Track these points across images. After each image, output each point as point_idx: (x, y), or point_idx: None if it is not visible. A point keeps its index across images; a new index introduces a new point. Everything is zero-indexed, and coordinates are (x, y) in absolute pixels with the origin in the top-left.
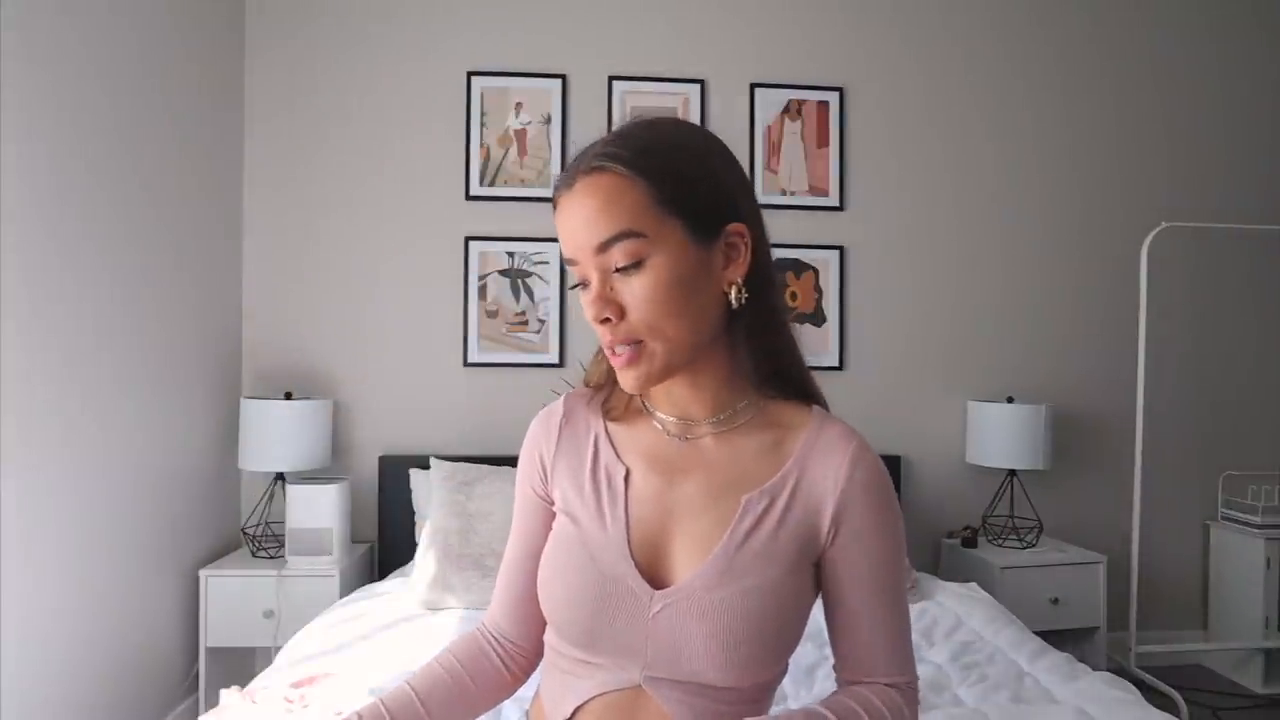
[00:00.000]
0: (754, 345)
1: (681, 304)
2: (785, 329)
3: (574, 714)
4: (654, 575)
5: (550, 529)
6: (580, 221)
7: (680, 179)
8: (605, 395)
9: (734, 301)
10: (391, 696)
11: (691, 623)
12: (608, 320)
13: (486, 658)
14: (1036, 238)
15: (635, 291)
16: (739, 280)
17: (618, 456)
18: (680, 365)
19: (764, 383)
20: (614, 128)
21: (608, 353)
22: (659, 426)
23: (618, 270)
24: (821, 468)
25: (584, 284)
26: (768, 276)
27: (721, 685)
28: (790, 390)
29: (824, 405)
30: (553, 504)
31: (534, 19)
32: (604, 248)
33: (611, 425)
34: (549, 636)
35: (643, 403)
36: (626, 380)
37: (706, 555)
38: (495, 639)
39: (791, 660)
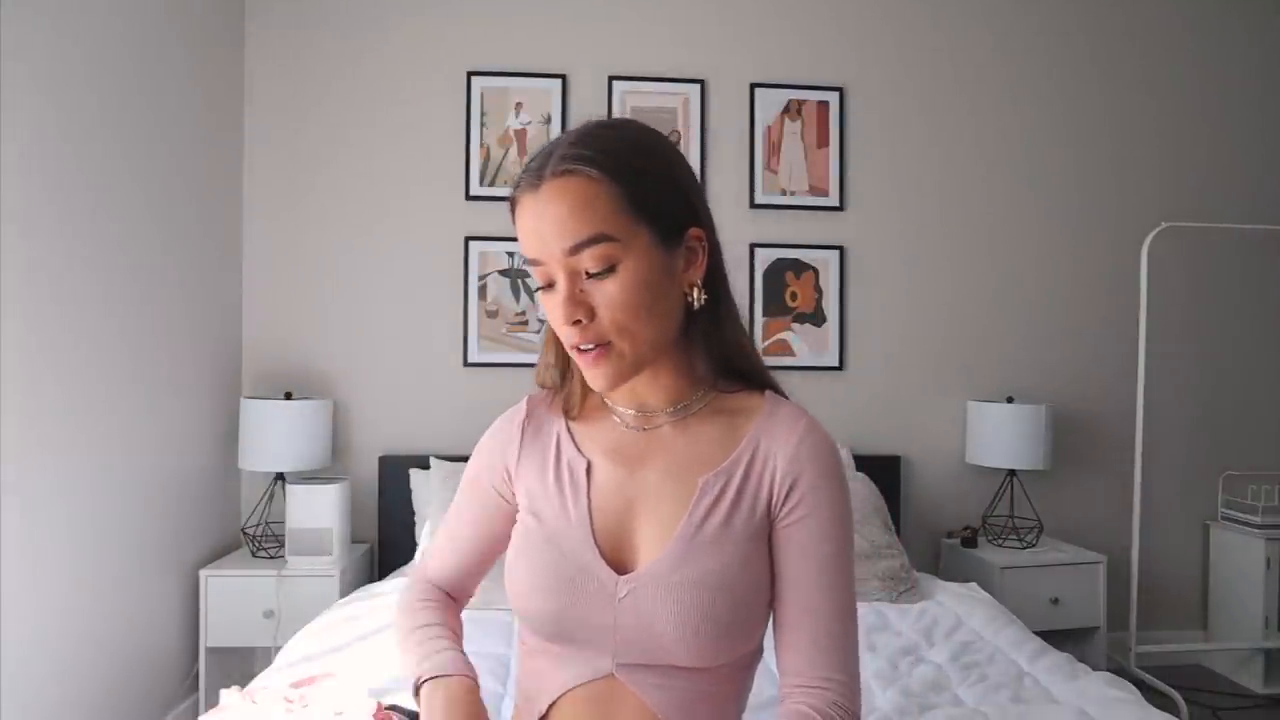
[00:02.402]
0: (711, 343)
1: (649, 306)
2: (739, 326)
3: (549, 710)
4: (619, 562)
5: (502, 521)
6: (550, 224)
7: (648, 183)
8: (564, 394)
9: (695, 303)
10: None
11: (657, 604)
12: (578, 322)
13: (450, 601)
14: (1036, 237)
15: (607, 294)
16: (698, 282)
17: (579, 450)
18: (646, 364)
19: (721, 377)
20: (570, 129)
21: (573, 353)
22: (618, 420)
23: (589, 275)
24: (773, 444)
25: (549, 285)
26: (722, 277)
27: (691, 666)
28: (749, 384)
29: (780, 392)
30: (511, 503)
31: (534, 19)
32: (575, 251)
33: (572, 423)
34: (521, 632)
35: (601, 397)
36: (596, 379)
37: (668, 538)
38: (439, 588)
39: None
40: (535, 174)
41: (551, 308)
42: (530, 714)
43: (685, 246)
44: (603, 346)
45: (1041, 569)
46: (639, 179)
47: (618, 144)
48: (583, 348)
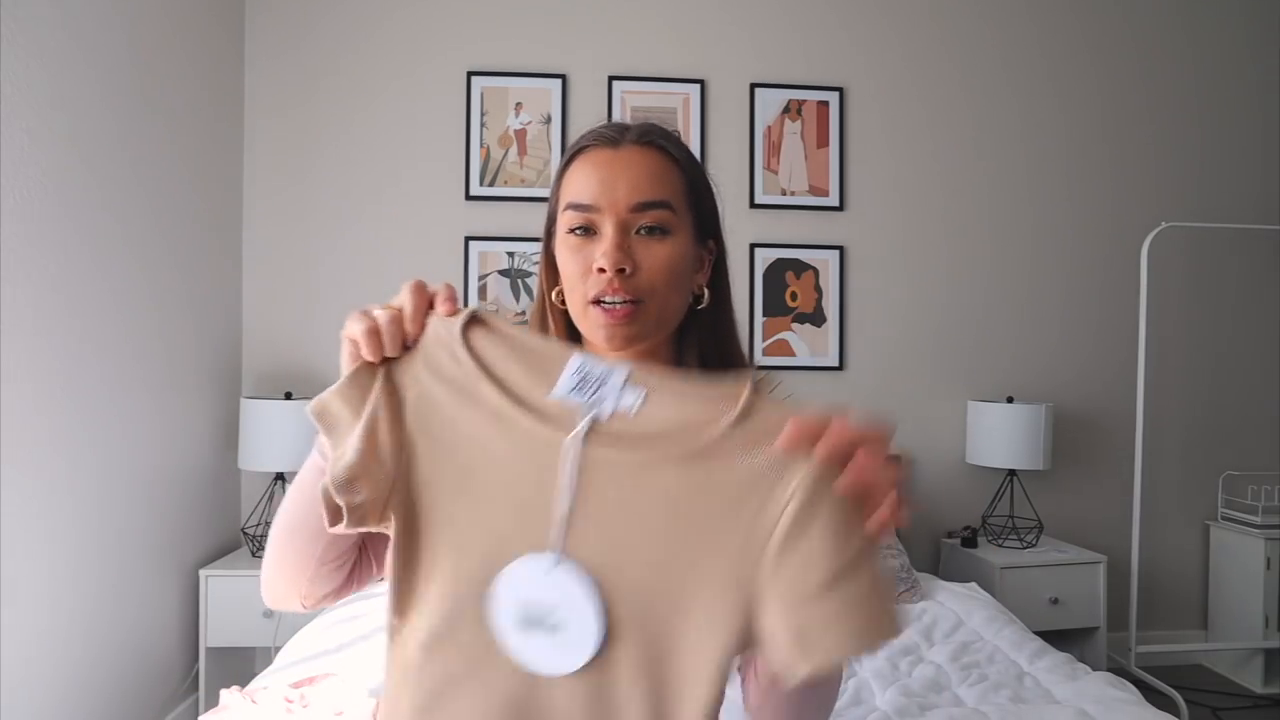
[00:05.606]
0: (706, 343)
1: (679, 282)
2: (735, 335)
3: None
4: None
5: None
6: (626, 178)
7: (701, 186)
8: None
9: (703, 300)
10: None
11: None
12: (622, 270)
13: None
14: (1036, 237)
15: (654, 254)
16: (705, 284)
17: None
18: (659, 336)
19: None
20: (633, 117)
21: (590, 309)
22: None
23: (643, 232)
24: None
25: (587, 232)
26: (726, 293)
27: None
28: None
29: None
30: None
31: (534, 19)
32: (642, 208)
33: None
34: None
35: None
36: (616, 335)
37: None
38: None
39: None
40: (611, 137)
41: (587, 255)
42: None
43: (706, 249)
44: (633, 304)
45: (1041, 569)
46: (697, 178)
47: (684, 146)
48: (613, 300)
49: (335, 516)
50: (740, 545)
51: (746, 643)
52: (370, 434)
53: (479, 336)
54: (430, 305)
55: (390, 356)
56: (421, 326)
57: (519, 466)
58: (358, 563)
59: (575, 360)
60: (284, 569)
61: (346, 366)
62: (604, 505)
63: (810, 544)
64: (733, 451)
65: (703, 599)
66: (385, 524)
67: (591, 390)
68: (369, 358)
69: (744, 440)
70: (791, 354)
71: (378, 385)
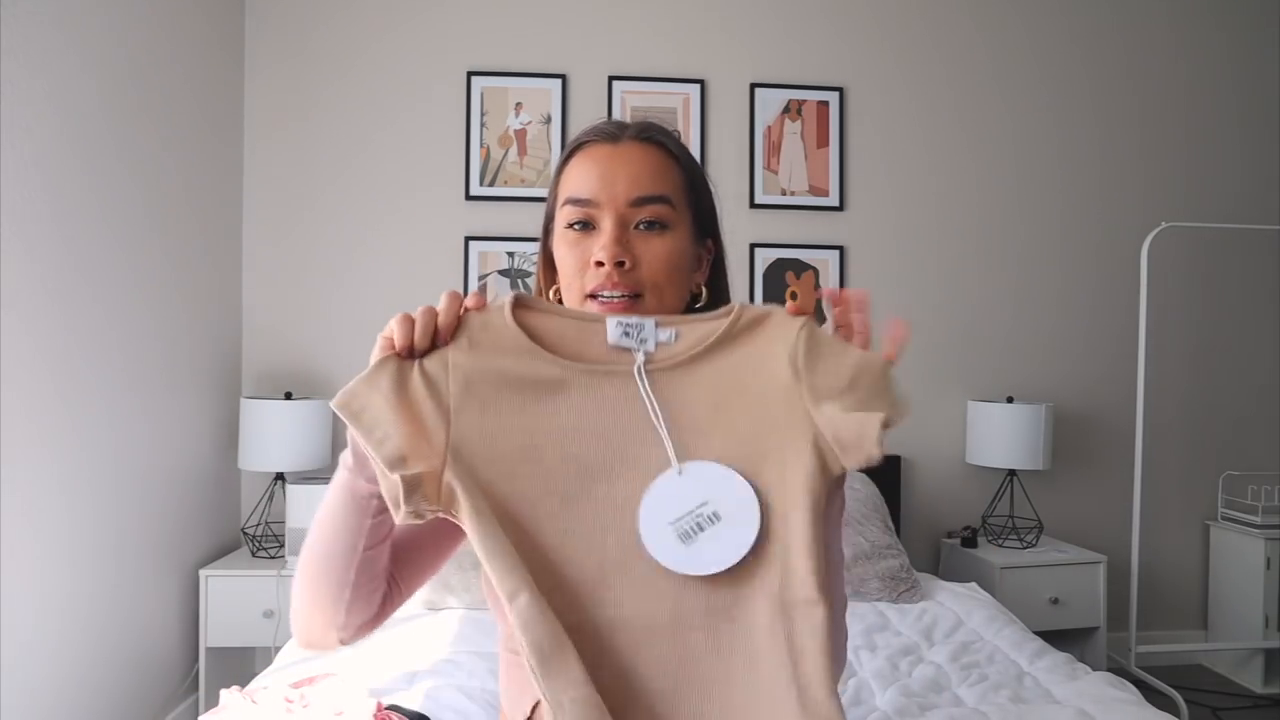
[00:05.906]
0: None
1: (678, 277)
2: None
3: (533, 711)
4: None
5: None
6: (625, 172)
7: (700, 184)
8: None
9: (701, 299)
10: None
11: None
12: (621, 264)
13: None
14: (1036, 237)
15: (653, 248)
16: (703, 283)
17: None
18: None
19: None
20: (633, 117)
21: (594, 303)
22: None
23: (641, 227)
24: None
25: (585, 226)
26: (724, 293)
27: None
28: None
29: None
30: None
31: (534, 19)
32: (642, 203)
33: None
34: (503, 640)
35: None
36: None
37: None
38: None
39: None
40: (611, 133)
41: (585, 249)
42: (515, 717)
43: (703, 249)
44: (631, 298)
45: (1041, 569)
46: (696, 176)
47: (683, 145)
48: (610, 295)
49: (395, 501)
50: (779, 387)
51: (826, 475)
52: (413, 415)
53: (526, 316)
54: (464, 308)
55: (422, 351)
56: (455, 321)
57: (592, 420)
58: (386, 594)
59: (613, 317)
60: (319, 602)
61: (375, 358)
62: (680, 412)
63: (827, 363)
64: (744, 332)
65: (779, 451)
66: (450, 509)
67: (636, 334)
68: (399, 343)
69: (749, 325)
70: None
71: (415, 373)
